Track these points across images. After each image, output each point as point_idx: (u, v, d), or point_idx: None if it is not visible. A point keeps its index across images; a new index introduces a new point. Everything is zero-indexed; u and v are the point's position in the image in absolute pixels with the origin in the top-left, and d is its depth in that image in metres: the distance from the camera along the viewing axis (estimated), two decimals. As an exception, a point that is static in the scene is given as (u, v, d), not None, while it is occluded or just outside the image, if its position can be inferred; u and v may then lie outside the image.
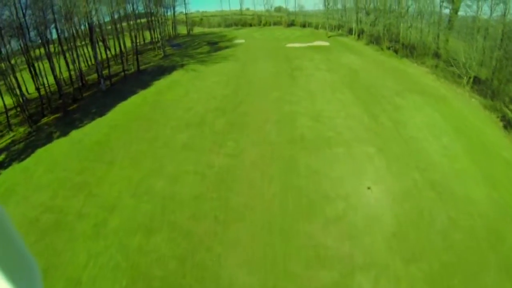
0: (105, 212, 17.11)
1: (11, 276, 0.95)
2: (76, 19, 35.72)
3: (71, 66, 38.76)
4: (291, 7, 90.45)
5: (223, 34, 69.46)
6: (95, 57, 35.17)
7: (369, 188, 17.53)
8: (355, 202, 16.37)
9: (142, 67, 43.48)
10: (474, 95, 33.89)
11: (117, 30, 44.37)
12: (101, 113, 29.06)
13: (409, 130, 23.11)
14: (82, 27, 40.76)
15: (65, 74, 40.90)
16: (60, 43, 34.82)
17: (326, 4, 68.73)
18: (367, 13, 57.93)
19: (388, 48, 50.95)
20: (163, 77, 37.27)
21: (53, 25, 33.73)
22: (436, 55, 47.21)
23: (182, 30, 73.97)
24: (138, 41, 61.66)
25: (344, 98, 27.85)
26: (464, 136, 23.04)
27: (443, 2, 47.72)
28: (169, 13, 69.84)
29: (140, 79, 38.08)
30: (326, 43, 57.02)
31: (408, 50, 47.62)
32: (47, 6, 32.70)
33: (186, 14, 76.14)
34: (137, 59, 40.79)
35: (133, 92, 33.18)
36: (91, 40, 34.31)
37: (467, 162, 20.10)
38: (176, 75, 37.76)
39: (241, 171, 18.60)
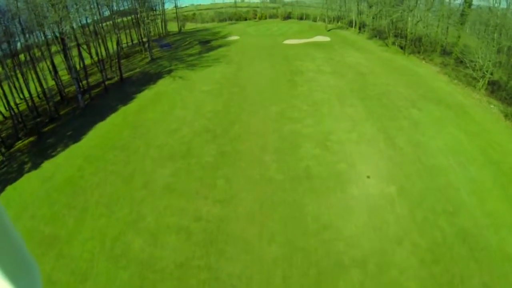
0: (77, 280, 13.96)
1: (11, 276, 0.95)
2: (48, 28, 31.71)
3: (48, 79, 35.15)
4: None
5: (216, 30, 65.16)
6: (70, 70, 31.40)
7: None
8: (375, 270, 13.15)
9: (126, 75, 39.71)
10: (492, 101, 30.51)
11: (97, 34, 40.22)
12: (76, 138, 25.60)
13: (431, 156, 19.74)
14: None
15: (47, 85, 37.30)
16: (29, 54, 31.07)
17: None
18: (370, 6, 53.67)
19: (393, 43, 47.15)
20: (147, 88, 33.58)
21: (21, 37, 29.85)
22: (445, 52, 43.53)
23: (174, 27, 69.50)
24: (126, 41, 57.73)
25: (354, 113, 24.34)
26: (493, 162, 19.67)
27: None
28: (159, 9, 65.38)
29: (123, 90, 34.42)
30: (326, 39, 53.03)
31: (415, 46, 43.84)
32: (14, 16, 28.89)
33: (176, 9, 71.44)
34: (119, 67, 36.97)
35: (113, 109, 29.60)
36: (64, 52, 30.44)
37: (500, 200, 16.81)
38: (162, 84, 34.05)
39: (234, 226, 15.29)
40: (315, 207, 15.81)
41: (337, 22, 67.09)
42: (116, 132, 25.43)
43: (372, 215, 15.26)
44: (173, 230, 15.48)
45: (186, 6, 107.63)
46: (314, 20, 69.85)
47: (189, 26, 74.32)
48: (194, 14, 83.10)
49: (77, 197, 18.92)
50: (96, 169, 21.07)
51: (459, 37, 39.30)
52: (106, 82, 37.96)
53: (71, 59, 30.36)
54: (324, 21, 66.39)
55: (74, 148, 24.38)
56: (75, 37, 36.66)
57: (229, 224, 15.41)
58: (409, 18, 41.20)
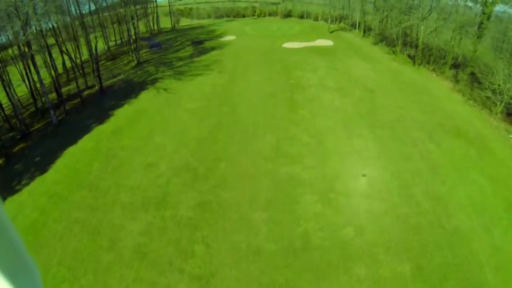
0: None
1: (11, 276, 0.96)
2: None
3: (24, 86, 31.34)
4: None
5: (211, 28, 60.82)
6: (40, 82, 27.54)
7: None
8: None
9: (108, 83, 35.86)
10: (509, 128, 27.26)
11: (75, 34, 36.13)
12: (43, 167, 22.06)
13: (452, 216, 16.43)
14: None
15: (20, 93, 33.53)
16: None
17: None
18: (376, 8, 49.64)
19: (401, 51, 43.43)
20: (128, 102, 29.82)
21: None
22: (457, 63, 39.98)
23: (168, 22, 64.87)
24: (115, 39, 53.29)
25: (364, 149, 20.86)
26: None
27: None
28: (151, 4, 60.76)
29: (101, 103, 30.66)
30: (329, 42, 49.11)
31: (425, 55, 40.20)
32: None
33: (169, 5, 66.67)
34: (99, 76, 33.04)
35: (87, 129, 25.96)
36: (32, 60, 26.57)
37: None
38: (144, 98, 30.27)
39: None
40: (314, 297, 12.50)
41: (340, 22, 62.98)
42: (86, 164, 21.86)
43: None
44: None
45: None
46: (316, 19, 65.61)
47: (184, 22, 69.76)
48: (191, 8, 78.28)
49: (40, 250, 15.64)
50: (60, 215, 17.64)
51: (475, 51, 35.69)
52: (85, 92, 34.22)
53: (53, 61, 26.38)
54: (326, 21, 62.28)
55: (39, 182, 20.89)
56: (56, 37, 32.51)
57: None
58: (422, 27, 37.36)
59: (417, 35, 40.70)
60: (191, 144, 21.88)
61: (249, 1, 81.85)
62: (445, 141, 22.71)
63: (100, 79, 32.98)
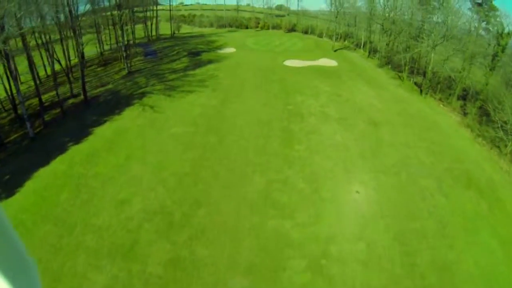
0: None
1: (10, 276, 0.95)
2: None
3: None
4: (293, 6, 79.26)
5: (212, 38, 58.74)
6: (17, 90, 25.11)
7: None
8: None
9: (95, 92, 33.54)
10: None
11: (62, 36, 33.76)
12: (11, 189, 19.71)
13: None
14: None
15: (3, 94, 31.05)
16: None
17: (334, 8, 57.32)
18: (384, 30, 47.66)
19: (408, 77, 41.37)
20: (110, 118, 27.39)
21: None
22: (465, 94, 37.94)
23: (167, 29, 62.57)
24: (110, 42, 50.90)
25: (365, 201, 18.41)
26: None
27: (480, 23, 37.93)
28: (151, 10, 58.54)
29: (83, 117, 28.27)
30: (333, 63, 47.01)
31: (433, 85, 38.17)
32: None
33: (170, 8, 64.63)
34: (83, 86, 30.64)
35: (62, 148, 23.58)
36: (8, 63, 24.23)
37: None
38: (127, 115, 27.84)
39: None
40: None
41: (344, 40, 61.10)
42: (55, 192, 19.41)
43: None
44: None
45: (191, 4, 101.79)
46: (320, 35, 63.75)
47: (185, 29, 67.65)
48: (194, 16, 76.26)
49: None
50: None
51: (486, 84, 33.66)
52: (70, 101, 31.83)
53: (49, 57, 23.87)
54: (330, 37, 60.43)
55: (5, 206, 18.17)
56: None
57: None
58: (432, 55, 35.27)
59: (426, 62, 38.65)
60: (170, 181, 19.41)
61: (255, 11, 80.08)
62: (455, 191, 20.43)
63: (84, 89, 30.58)
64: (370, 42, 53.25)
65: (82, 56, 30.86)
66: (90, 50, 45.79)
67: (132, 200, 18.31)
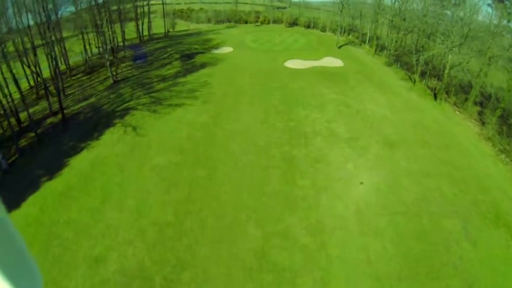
0: None
1: (11, 276, 0.93)
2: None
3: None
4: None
5: (208, 37, 54.91)
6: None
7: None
8: None
9: (75, 108, 30.53)
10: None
11: (34, 49, 30.52)
12: None
13: None
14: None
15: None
16: None
17: None
18: (394, 26, 43.63)
19: (419, 80, 37.72)
20: (87, 145, 24.30)
21: None
22: (480, 102, 34.29)
23: (162, 27, 58.44)
24: (98, 45, 47.27)
25: (381, 259, 15.33)
26: None
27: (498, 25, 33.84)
28: (142, 7, 54.52)
29: (59, 143, 25.31)
30: (338, 62, 43.29)
31: (448, 88, 34.56)
32: None
33: (163, 3, 60.43)
34: (60, 104, 27.54)
35: (35, 185, 20.71)
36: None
37: None
38: (106, 141, 24.69)
39: None
40: None
41: (349, 35, 56.98)
42: (26, 243, 16.58)
43: None
44: None
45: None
46: (323, 29, 59.60)
47: (181, 26, 63.65)
48: (191, 11, 71.97)
49: None
50: None
51: (509, 90, 30.07)
52: (48, 121, 28.84)
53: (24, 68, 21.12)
54: (334, 32, 56.39)
55: None
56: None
57: None
58: (450, 56, 31.53)
59: (442, 65, 34.90)
60: (150, 233, 16.51)
61: (254, 4, 75.49)
62: (482, 234, 17.39)
63: (62, 109, 27.51)
64: (377, 38, 49.24)
65: (56, 70, 27.58)
66: (76, 56, 42.62)
67: (107, 257, 15.50)
